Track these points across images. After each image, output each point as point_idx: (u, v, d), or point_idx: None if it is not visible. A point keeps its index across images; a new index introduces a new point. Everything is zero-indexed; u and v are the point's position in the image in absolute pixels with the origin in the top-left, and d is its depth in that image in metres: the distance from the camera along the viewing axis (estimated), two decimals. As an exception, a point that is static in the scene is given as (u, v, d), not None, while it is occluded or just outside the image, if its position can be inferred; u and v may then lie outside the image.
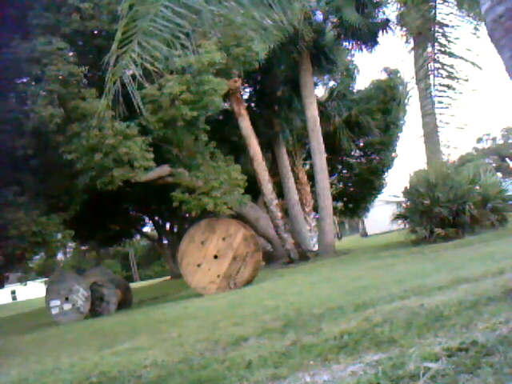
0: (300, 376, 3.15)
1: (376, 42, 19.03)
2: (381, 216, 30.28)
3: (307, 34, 17.43)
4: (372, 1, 18.48)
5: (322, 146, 18.91)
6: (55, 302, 12.87)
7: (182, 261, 12.76)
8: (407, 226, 14.92)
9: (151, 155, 13.59)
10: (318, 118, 18.97)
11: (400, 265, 9.69)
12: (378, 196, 29.92)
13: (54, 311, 12.89)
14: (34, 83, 14.03)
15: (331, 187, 21.84)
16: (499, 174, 22.73)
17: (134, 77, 4.91)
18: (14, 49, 13.18)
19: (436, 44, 6.91)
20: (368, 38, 18.66)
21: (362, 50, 19.43)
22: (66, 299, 12.86)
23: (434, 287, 5.41)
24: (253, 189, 17.16)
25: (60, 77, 13.07)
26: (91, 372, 4.73)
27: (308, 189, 23.97)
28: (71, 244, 36.24)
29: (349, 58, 23.94)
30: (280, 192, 20.82)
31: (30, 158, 14.12)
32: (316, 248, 20.84)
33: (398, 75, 24.36)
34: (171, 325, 7.45)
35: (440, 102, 7.24)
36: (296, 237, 18.54)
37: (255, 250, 12.70)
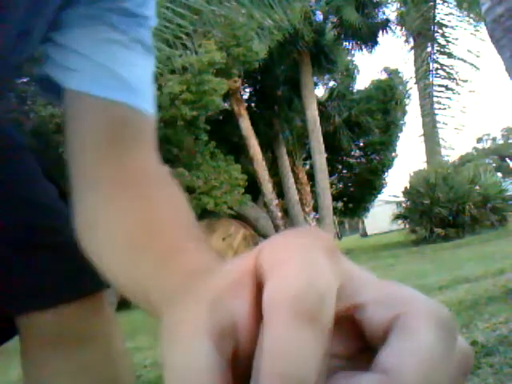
0: (300, 376, 3.15)
1: (376, 42, 19.07)
2: (381, 216, 30.37)
3: (307, 34, 17.46)
4: (372, 1, 18.50)
5: (322, 146, 18.93)
6: (55, 302, 12.87)
7: (182, 261, 12.76)
8: (407, 225, 14.95)
9: (151, 155, 13.59)
10: (317, 118, 19.00)
11: (400, 265, 9.68)
12: (378, 196, 29.93)
13: (54, 311, 12.89)
14: (34, 83, 14.04)
15: (331, 187, 21.86)
16: (499, 174, 22.74)
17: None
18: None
19: (435, 44, 6.91)
20: (368, 38, 18.69)
21: (362, 50, 19.49)
22: (66, 299, 12.87)
23: (434, 287, 5.41)
24: (253, 189, 17.17)
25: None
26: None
27: (308, 189, 23.96)
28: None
29: (349, 57, 23.96)
30: (280, 192, 20.83)
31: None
32: (316, 248, 20.82)
33: (398, 75, 24.40)
34: (171, 325, 7.43)
35: (438, 103, 7.24)
36: (296, 237, 18.52)
37: (255, 249, 12.70)
